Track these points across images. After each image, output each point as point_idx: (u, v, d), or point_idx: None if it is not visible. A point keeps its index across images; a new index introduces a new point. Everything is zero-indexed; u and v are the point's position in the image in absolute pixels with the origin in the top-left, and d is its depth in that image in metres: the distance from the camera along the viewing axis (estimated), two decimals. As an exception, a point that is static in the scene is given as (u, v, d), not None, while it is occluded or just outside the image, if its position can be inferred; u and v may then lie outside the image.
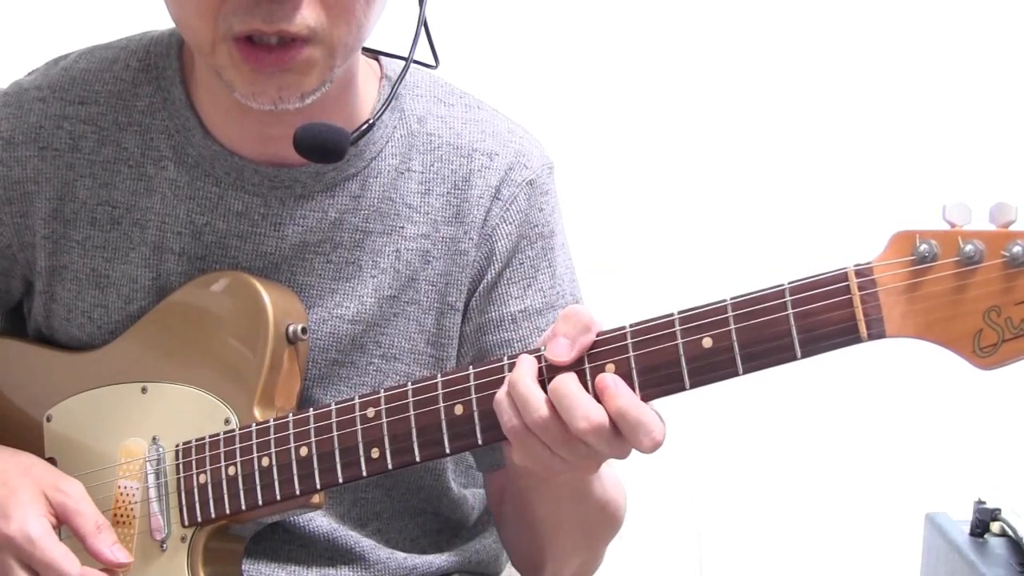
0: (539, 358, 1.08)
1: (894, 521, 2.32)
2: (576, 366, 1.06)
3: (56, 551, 1.20)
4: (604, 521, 1.29)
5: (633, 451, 1.07)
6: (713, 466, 2.43)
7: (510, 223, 1.31)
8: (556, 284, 1.33)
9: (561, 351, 1.06)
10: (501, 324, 1.30)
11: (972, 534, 1.73)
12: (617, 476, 1.30)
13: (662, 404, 1.07)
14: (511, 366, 1.09)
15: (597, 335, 1.07)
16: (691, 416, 2.25)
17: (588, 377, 1.06)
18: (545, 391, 1.06)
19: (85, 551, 1.22)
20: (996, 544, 1.71)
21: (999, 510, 1.73)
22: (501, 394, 1.08)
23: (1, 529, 1.20)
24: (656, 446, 1.04)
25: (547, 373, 1.07)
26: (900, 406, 2.39)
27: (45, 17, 2.30)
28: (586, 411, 1.03)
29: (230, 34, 1.14)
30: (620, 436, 1.04)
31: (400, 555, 1.35)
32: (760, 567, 2.47)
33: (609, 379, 1.05)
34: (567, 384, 1.05)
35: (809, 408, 2.41)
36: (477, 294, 1.31)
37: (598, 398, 1.05)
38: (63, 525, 1.23)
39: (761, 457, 2.45)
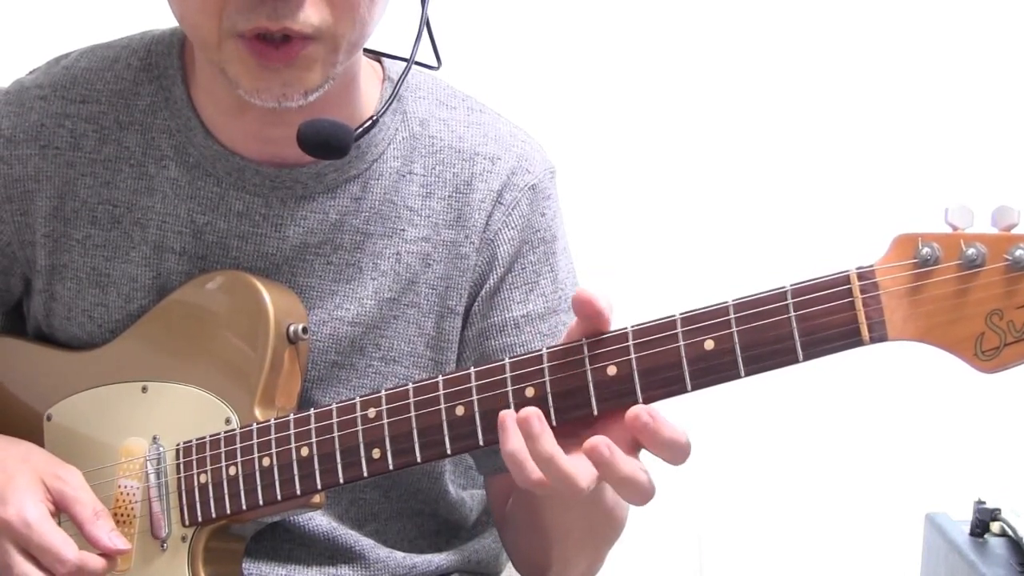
0: (539, 359, 1.07)
1: (894, 521, 2.32)
2: (576, 368, 1.06)
3: (54, 535, 1.19)
4: (610, 525, 1.29)
5: None
6: (713, 467, 2.43)
7: (512, 228, 1.30)
8: (558, 289, 1.33)
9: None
10: (503, 329, 1.30)
11: (972, 534, 1.73)
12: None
13: (662, 405, 1.06)
14: (512, 366, 1.09)
15: (599, 335, 1.07)
16: (691, 417, 2.24)
17: (589, 379, 1.05)
18: (543, 401, 1.05)
19: (83, 538, 1.21)
20: (996, 544, 1.71)
21: (999, 510, 1.73)
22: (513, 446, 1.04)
23: (0, 515, 1.20)
24: (645, 503, 1.04)
25: (548, 375, 1.06)
26: (900, 407, 2.39)
27: (46, 16, 2.30)
28: (576, 478, 1.02)
29: (235, 32, 1.14)
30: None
31: (400, 554, 1.35)
32: (761, 568, 2.47)
33: (603, 447, 1.01)
34: (553, 451, 1.02)
35: (809, 409, 2.41)
36: (479, 299, 1.31)
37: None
38: (61, 513, 1.23)
39: (761, 458, 2.45)
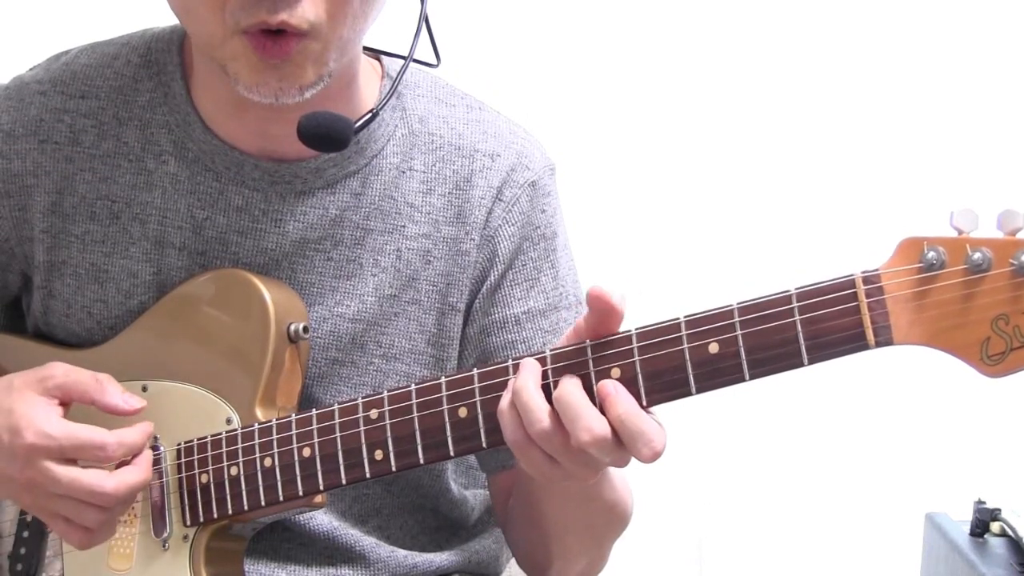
0: (543, 360, 1.07)
1: (894, 521, 2.32)
2: (580, 370, 1.06)
3: (80, 431, 1.17)
4: (611, 521, 1.29)
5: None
6: (713, 466, 2.43)
7: (512, 224, 1.30)
8: (559, 285, 1.33)
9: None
10: (504, 326, 1.30)
11: (972, 534, 1.73)
12: (623, 474, 1.29)
13: (665, 408, 1.06)
14: (515, 367, 1.08)
15: (601, 338, 1.06)
16: (692, 417, 2.24)
17: (593, 381, 1.05)
18: (549, 395, 1.05)
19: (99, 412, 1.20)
20: (996, 544, 1.71)
21: (999, 510, 1.73)
22: (504, 403, 1.07)
23: (22, 444, 1.16)
24: (655, 456, 1.02)
25: (552, 376, 1.06)
26: (900, 407, 2.39)
27: (47, 15, 2.29)
28: (589, 422, 1.02)
29: (238, 28, 1.14)
30: (621, 446, 1.03)
31: (401, 553, 1.35)
32: (761, 568, 2.47)
33: (611, 386, 1.04)
34: (572, 393, 1.03)
35: (809, 410, 2.41)
36: (480, 296, 1.30)
37: (601, 403, 1.04)
38: (69, 405, 1.21)
39: (761, 459, 2.45)
